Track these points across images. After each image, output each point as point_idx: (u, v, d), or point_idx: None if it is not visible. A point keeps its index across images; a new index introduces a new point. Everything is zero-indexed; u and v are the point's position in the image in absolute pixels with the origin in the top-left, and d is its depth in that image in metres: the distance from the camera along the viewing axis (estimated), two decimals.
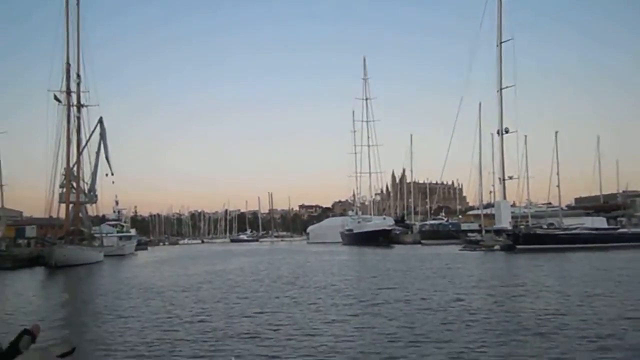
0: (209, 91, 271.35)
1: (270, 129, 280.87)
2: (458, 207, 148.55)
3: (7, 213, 71.63)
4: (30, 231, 66.86)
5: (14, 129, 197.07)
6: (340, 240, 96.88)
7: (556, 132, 64.97)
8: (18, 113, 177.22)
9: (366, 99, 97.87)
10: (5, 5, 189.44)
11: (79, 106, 54.26)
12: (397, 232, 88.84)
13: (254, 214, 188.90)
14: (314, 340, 12.66)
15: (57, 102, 51.87)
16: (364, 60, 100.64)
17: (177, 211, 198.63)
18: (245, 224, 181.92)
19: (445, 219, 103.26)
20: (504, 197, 62.45)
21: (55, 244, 44.41)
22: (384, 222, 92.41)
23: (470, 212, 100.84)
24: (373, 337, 12.92)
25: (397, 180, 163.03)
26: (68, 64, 52.22)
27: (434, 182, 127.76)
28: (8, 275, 36.42)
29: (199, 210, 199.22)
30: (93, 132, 58.63)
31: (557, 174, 63.57)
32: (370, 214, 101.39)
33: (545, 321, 14.34)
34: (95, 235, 61.22)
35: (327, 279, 28.49)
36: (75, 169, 55.73)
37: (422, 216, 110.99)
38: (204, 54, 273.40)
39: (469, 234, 71.35)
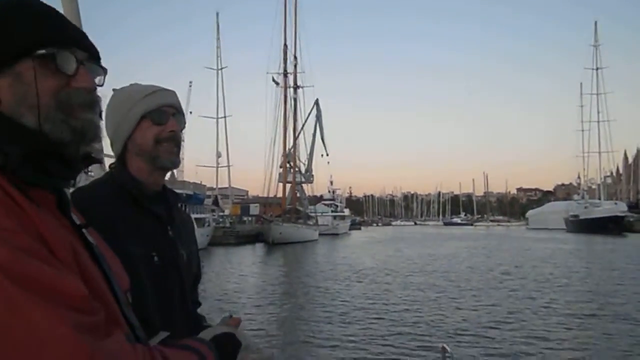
0: (414, 63, 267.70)
1: (484, 102, 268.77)
2: None
3: (234, 192, 77.45)
4: (254, 209, 71.13)
5: (239, 111, 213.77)
6: (564, 227, 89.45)
7: None
8: (241, 96, 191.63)
9: (596, 69, 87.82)
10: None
11: (295, 87, 56.26)
12: (631, 220, 79.61)
13: (468, 196, 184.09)
14: (539, 347, 10.59)
15: (275, 85, 54.21)
16: (595, 24, 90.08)
17: (390, 192, 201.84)
18: (459, 207, 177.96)
19: None
20: None
21: (272, 222, 46.36)
22: (616, 208, 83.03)
23: None
24: (617, 347, 10.48)
25: (630, 161, 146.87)
26: (285, 46, 54.33)
27: None
28: (231, 250, 38.63)
29: (412, 192, 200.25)
30: (310, 114, 60.36)
31: None
32: (600, 199, 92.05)
33: None
34: (311, 214, 63.20)
35: (552, 271, 25.42)
36: (292, 150, 57.83)
37: None
38: (413, 25, 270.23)
39: None
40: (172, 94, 1.62)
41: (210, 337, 1.12)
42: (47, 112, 0.85)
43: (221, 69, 64.22)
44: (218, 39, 65.06)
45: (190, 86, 68.39)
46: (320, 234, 56.77)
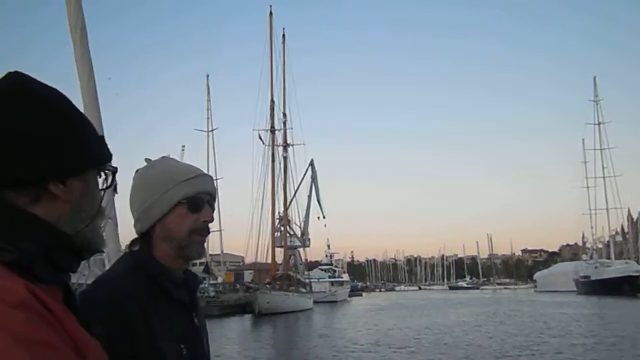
0: (416, 123, 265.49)
1: (485, 163, 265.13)
2: None
3: (228, 258, 73.27)
4: (249, 276, 67.05)
5: (231, 173, 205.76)
6: (574, 288, 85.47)
7: None
8: (233, 157, 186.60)
9: (599, 124, 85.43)
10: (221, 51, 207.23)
11: (285, 146, 53.12)
12: None
13: (473, 259, 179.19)
14: None
15: (261, 142, 51.23)
16: (594, 79, 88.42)
17: (393, 256, 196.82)
18: (464, 270, 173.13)
19: None
20: None
21: (259, 290, 42.12)
22: (629, 267, 79.10)
23: None
24: None
25: (635, 218, 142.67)
26: (272, 102, 51.52)
27: None
28: (212, 323, 34.34)
29: (415, 256, 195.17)
30: (305, 174, 57.43)
31: None
32: (611, 258, 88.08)
33: None
34: (304, 280, 58.72)
35: (575, 341, 21.57)
36: (283, 211, 54.43)
37: None
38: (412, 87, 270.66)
39: None
40: (210, 179, 1.54)
41: None
42: (95, 220, 0.87)
43: (212, 130, 61.40)
44: (208, 100, 62.49)
45: (183, 150, 65.33)
46: (315, 302, 52.02)
